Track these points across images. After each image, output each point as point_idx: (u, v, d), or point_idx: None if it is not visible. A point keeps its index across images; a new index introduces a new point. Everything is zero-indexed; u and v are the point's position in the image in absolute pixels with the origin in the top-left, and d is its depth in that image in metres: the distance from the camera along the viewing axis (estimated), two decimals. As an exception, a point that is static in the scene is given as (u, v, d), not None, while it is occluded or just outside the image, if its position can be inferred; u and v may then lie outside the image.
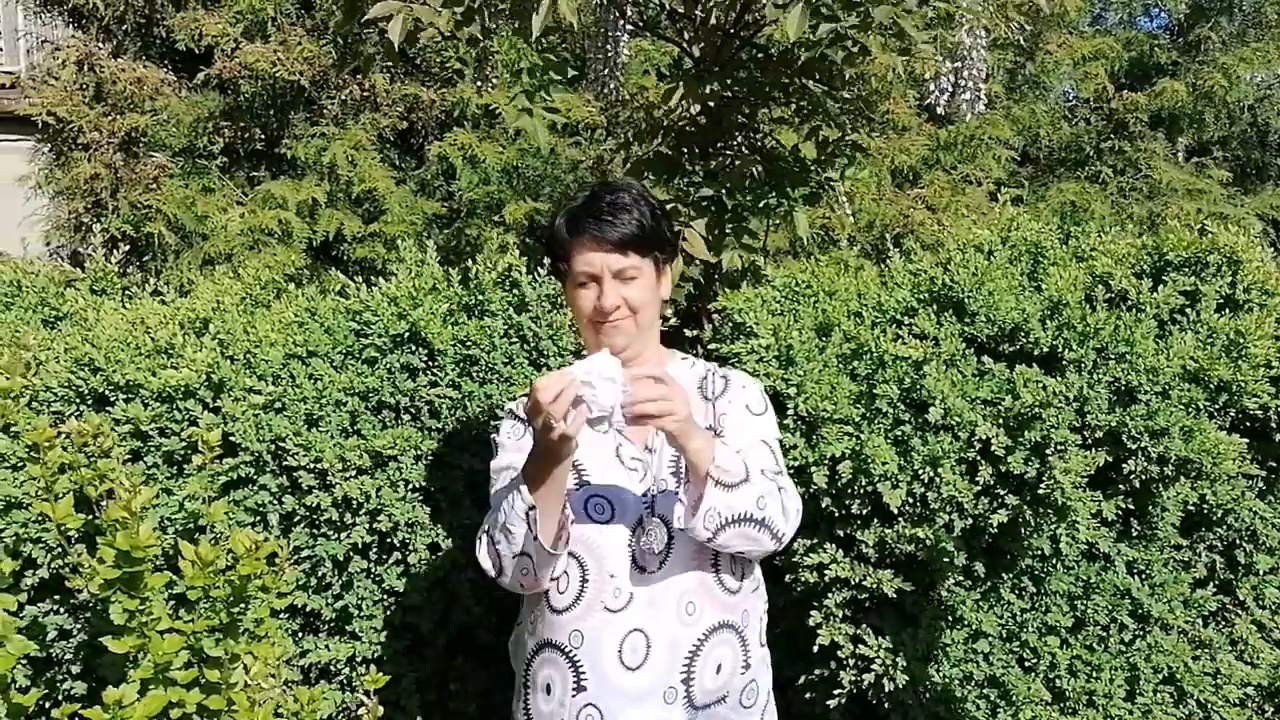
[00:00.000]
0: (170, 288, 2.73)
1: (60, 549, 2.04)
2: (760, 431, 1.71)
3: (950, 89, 2.52)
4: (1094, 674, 2.46)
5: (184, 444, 2.13)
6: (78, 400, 2.16)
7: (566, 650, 1.57)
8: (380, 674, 1.82)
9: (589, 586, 1.57)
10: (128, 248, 3.79)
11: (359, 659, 2.22)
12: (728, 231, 2.64)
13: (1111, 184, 5.24)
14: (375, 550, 2.21)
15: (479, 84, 2.80)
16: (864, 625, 2.38)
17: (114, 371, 2.15)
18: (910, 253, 2.87)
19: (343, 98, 4.61)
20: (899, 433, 2.31)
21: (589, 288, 1.63)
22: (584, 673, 1.54)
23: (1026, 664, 2.44)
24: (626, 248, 1.61)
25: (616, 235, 1.61)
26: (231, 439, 2.12)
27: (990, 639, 2.42)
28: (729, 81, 2.70)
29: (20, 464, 2.10)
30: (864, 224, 4.24)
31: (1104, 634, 2.48)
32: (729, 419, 1.68)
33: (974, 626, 2.40)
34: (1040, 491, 2.27)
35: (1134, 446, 2.31)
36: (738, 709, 1.65)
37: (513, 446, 1.67)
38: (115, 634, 1.81)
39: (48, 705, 2.17)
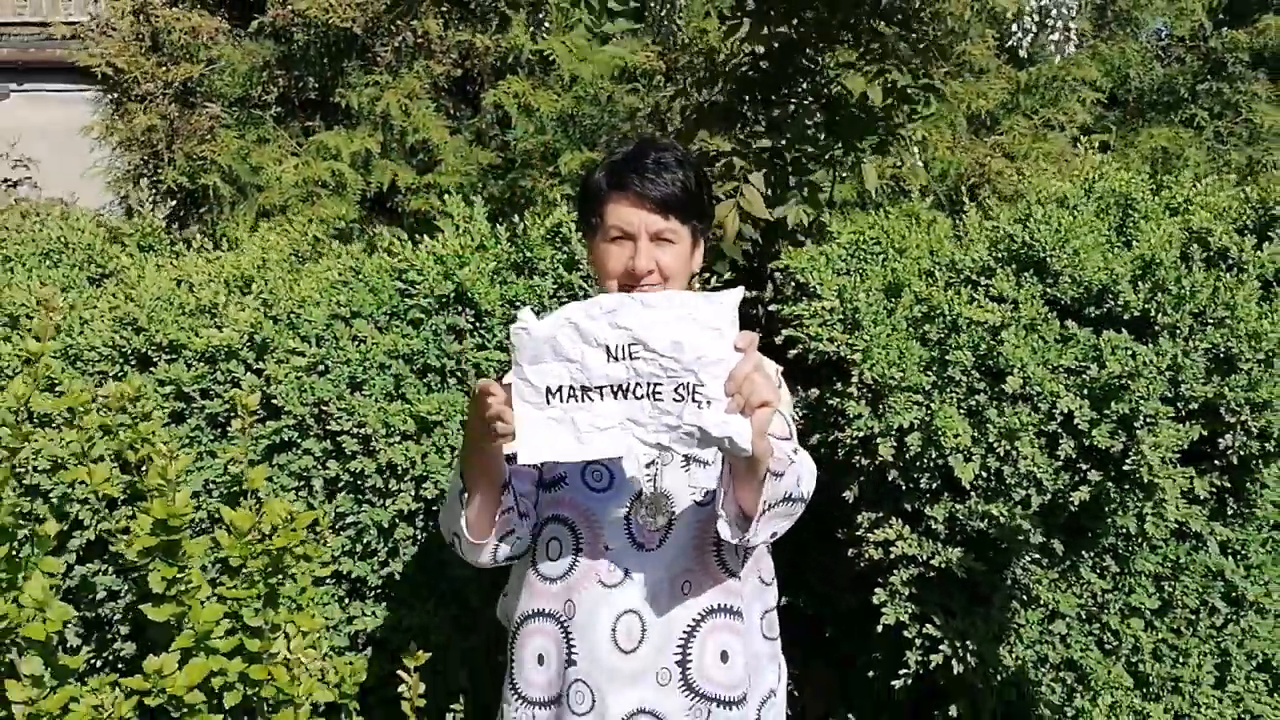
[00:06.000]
0: (225, 241, 2.68)
1: (104, 512, 2.01)
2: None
3: (1034, 29, 2.31)
4: (1181, 659, 2.31)
5: (227, 406, 2.08)
6: (121, 360, 2.12)
7: (559, 618, 1.49)
8: (422, 651, 1.77)
9: (582, 557, 1.49)
10: (175, 202, 3.75)
11: (406, 627, 2.17)
12: (790, 185, 2.48)
13: (1208, 128, 4.88)
14: (421, 518, 2.15)
15: (533, 29, 2.66)
16: (931, 604, 2.26)
17: (157, 331, 2.10)
18: (986, 205, 2.68)
19: (396, 44, 4.49)
20: (973, 403, 2.16)
21: (622, 245, 1.52)
22: (575, 646, 1.47)
23: (1107, 647, 2.31)
24: (668, 209, 1.51)
25: (659, 194, 1.50)
26: (274, 402, 2.06)
27: (1068, 620, 2.30)
28: (794, 22, 2.53)
29: (66, 423, 2.08)
30: (937, 174, 4.02)
31: (1193, 617, 2.33)
32: None
33: (1050, 607, 2.27)
34: (1126, 467, 2.12)
35: (1233, 420, 2.13)
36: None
37: None
38: (155, 601, 1.78)
39: (98, 665, 2.17)
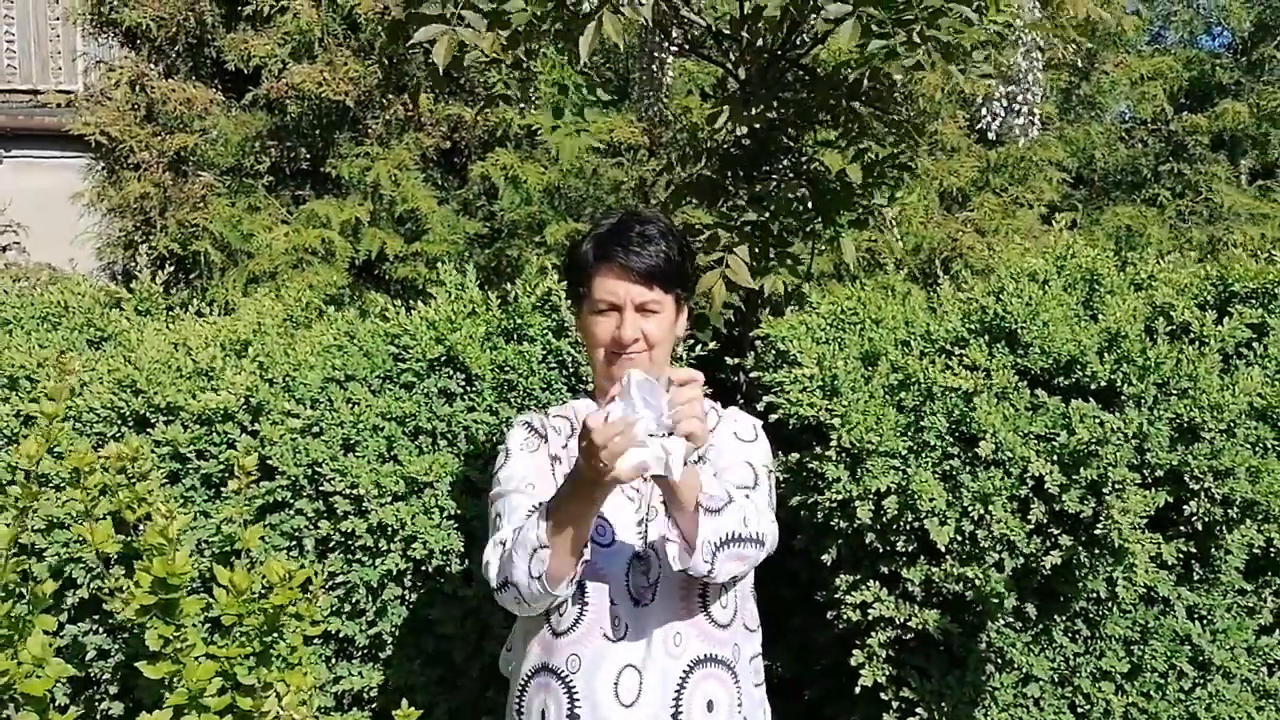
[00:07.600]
0: (215, 306, 2.74)
1: (99, 571, 2.04)
2: (744, 455, 1.66)
3: (1002, 113, 2.45)
4: (1151, 722, 2.36)
5: (222, 467, 2.12)
6: (119, 422, 2.17)
7: (562, 675, 1.52)
8: (412, 707, 1.79)
9: (589, 611, 1.53)
10: (173, 266, 3.84)
11: (392, 687, 2.19)
12: (771, 256, 2.59)
13: (1170, 207, 5.07)
14: (410, 577, 2.18)
15: (521, 105, 2.78)
16: (908, 666, 2.30)
17: (155, 393, 2.15)
18: (959, 278, 2.80)
19: (387, 118, 4.64)
20: (947, 467, 2.24)
21: (608, 316, 1.60)
22: (578, 700, 1.50)
23: (1079, 710, 2.35)
24: (651, 281, 1.59)
25: (643, 266, 1.58)
26: (269, 463, 2.10)
27: (1041, 683, 2.34)
28: (775, 103, 2.66)
29: (64, 484, 2.11)
30: (911, 247, 4.17)
31: (1162, 681, 2.38)
32: (714, 447, 1.64)
33: (1024, 670, 2.31)
34: (1096, 532, 2.19)
35: (1196, 487, 2.21)
36: None
37: (522, 456, 1.63)
38: (150, 659, 1.80)
39: (87, 725, 2.17)
